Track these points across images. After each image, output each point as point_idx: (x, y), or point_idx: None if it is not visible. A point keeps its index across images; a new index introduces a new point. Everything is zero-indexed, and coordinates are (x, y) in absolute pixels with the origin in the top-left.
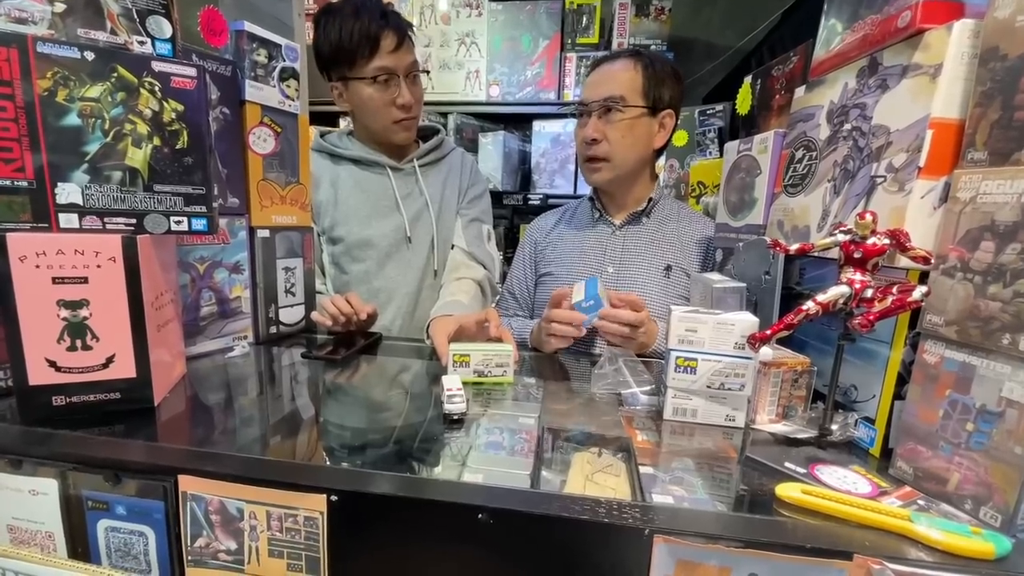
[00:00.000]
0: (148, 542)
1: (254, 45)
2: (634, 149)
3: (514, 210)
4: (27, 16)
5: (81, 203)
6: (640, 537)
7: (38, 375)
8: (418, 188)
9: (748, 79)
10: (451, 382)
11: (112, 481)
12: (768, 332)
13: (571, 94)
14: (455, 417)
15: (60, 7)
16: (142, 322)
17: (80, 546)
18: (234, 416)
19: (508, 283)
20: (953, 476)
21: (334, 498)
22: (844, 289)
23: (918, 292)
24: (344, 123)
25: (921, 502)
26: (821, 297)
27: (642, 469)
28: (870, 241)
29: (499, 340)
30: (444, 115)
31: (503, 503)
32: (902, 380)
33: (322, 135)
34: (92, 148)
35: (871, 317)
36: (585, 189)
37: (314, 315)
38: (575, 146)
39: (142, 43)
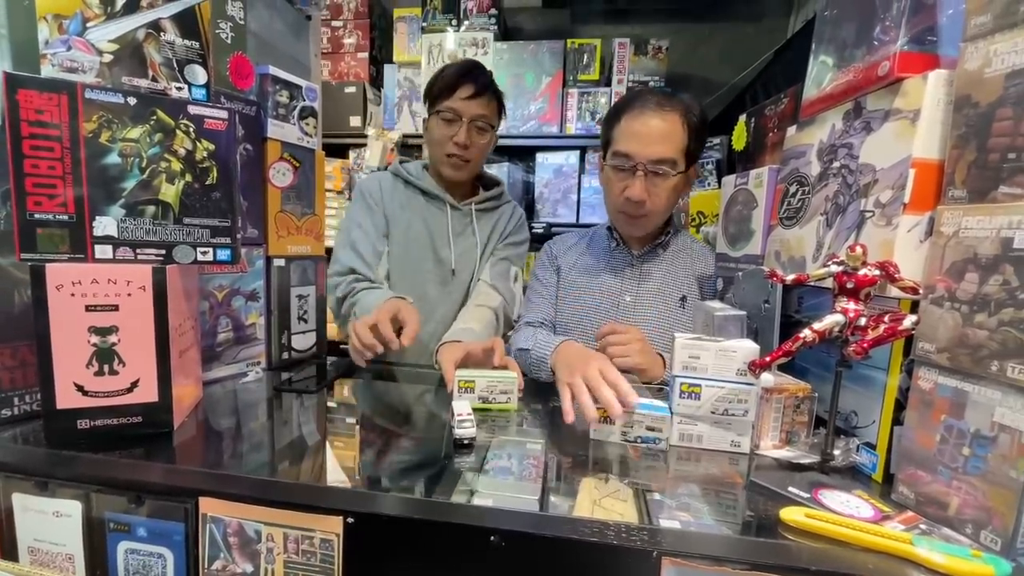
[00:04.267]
0: (166, 564)
1: (277, 87)
2: (671, 204)
3: None
4: (77, 66)
5: (116, 235)
6: (648, 559)
7: (66, 399)
8: (471, 228)
9: (743, 117)
10: (461, 407)
11: (135, 503)
12: (767, 359)
13: (573, 127)
14: (465, 442)
15: (108, 57)
16: (167, 348)
17: (99, 568)
18: (251, 439)
19: (535, 286)
20: (953, 500)
21: (350, 520)
22: (839, 317)
23: (908, 321)
24: (353, 155)
25: (923, 526)
26: (817, 325)
27: (649, 495)
28: (861, 272)
29: (503, 368)
30: None
31: (516, 526)
32: (900, 406)
33: (400, 162)
34: (129, 184)
35: (865, 344)
36: (587, 219)
37: (352, 352)
38: (605, 193)
39: (180, 89)
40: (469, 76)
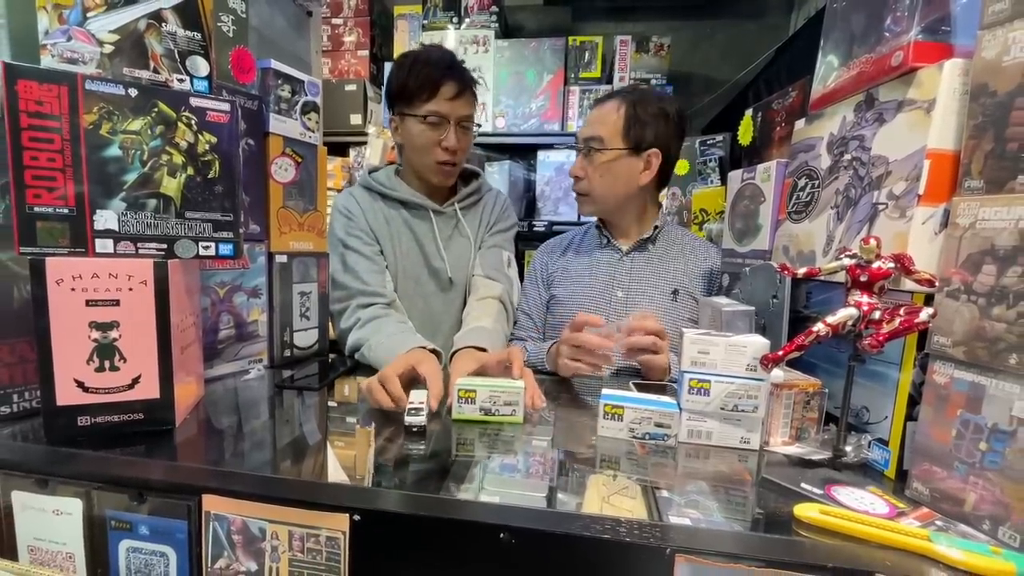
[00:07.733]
0: (169, 563)
1: (279, 81)
2: (614, 187)
3: (519, 236)
4: (78, 57)
5: (117, 229)
6: (661, 557)
7: (66, 395)
8: (459, 230)
9: (749, 112)
10: (417, 396)
11: (137, 500)
12: (780, 353)
13: (574, 125)
14: (415, 429)
15: (108, 48)
16: (168, 344)
17: (100, 567)
18: (253, 437)
19: (523, 304)
20: (969, 496)
21: (357, 517)
22: (853, 311)
23: (925, 314)
24: (353, 153)
25: (939, 523)
26: (831, 319)
27: (658, 492)
28: (875, 265)
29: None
30: None
31: (527, 523)
32: (913, 401)
33: (370, 172)
34: (130, 178)
35: (880, 338)
36: (588, 216)
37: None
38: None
39: (181, 80)
40: (452, 72)
